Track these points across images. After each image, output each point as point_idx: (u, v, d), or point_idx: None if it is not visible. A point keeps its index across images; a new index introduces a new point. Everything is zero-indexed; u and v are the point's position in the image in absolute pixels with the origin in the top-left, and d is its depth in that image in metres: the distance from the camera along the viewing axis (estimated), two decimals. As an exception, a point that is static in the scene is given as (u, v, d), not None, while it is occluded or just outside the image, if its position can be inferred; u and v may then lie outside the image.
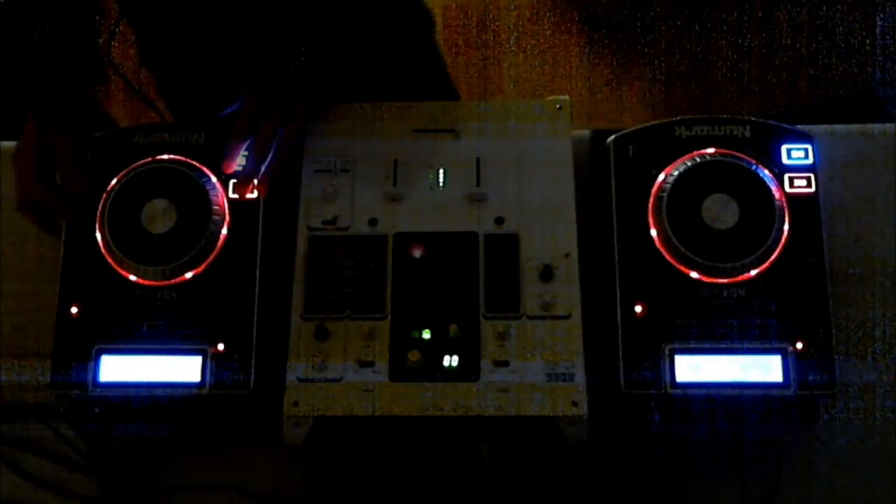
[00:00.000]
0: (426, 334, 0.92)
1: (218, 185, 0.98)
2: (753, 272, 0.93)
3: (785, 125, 0.99)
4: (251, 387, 0.93)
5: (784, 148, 0.98)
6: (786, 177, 0.97)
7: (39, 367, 1.00)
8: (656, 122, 0.99)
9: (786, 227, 0.94)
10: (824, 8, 2.07)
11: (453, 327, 0.92)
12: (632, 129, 0.99)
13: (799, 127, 0.99)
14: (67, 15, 1.04)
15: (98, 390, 0.93)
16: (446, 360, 0.91)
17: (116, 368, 0.93)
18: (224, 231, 0.97)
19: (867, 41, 2.03)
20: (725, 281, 0.93)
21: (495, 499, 0.94)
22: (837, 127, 1.06)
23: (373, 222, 0.97)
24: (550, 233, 0.95)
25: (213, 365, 0.93)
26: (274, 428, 0.90)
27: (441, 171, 0.98)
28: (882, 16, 2.03)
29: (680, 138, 0.98)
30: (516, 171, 0.98)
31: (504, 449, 0.93)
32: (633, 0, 2.17)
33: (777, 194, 0.95)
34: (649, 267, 0.94)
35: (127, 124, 1.04)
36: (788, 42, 2.09)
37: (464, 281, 0.94)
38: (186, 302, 0.95)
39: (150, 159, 0.99)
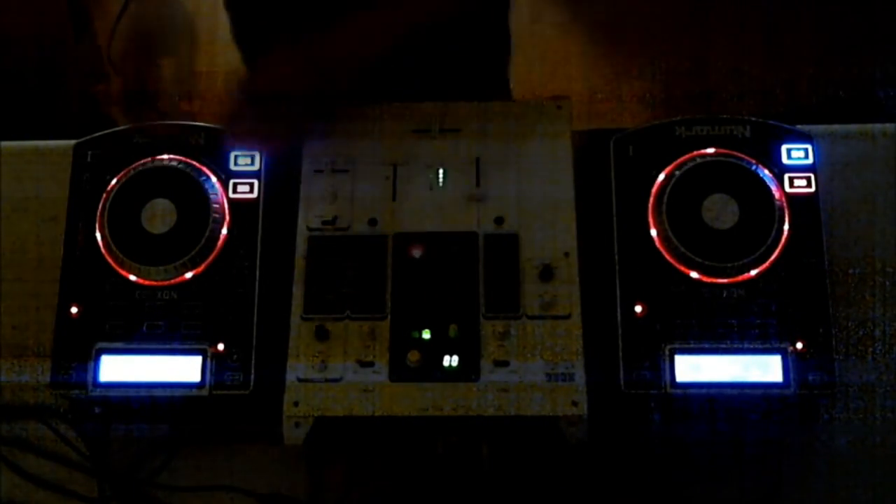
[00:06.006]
0: (426, 334, 0.92)
1: (218, 185, 0.98)
2: (753, 272, 0.93)
3: (785, 125, 0.99)
4: (251, 387, 0.93)
5: (784, 148, 0.98)
6: (786, 177, 0.97)
7: (39, 367, 1.01)
8: (656, 122, 0.99)
9: (786, 227, 0.94)
10: (825, 7, 2.07)
11: (453, 327, 0.92)
12: (632, 129, 0.99)
13: (799, 127, 0.99)
14: None
15: (98, 390, 0.93)
16: (446, 360, 0.91)
17: (116, 368, 0.93)
18: (224, 231, 0.97)
19: (867, 41, 2.03)
20: (725, 281, 0.93)
21: (495, 499, 0.94)
22: (837, 127, 1.06)
23: (373, 222, 0.97)
24: (550, 232, 0.95)
25: (213, 365, 0.93)
26: (274, 428, 0.90)
27: (441, 171, 0.98)
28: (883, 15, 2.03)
29: (680, 138, 0.98)
30: (516, 171, 0.98)
31: (504, 449, 0.93)
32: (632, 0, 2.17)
33: (777, 194, 0.95)
34: (649, 267, 0.94)
35: (127, 124, 1.04)
36: (788, 42, 2.09)
37: (464, 281, 0.94)
38: (186, 302, 0.95)
39: (150, 159, 0.99)
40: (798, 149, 0.98)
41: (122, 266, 0.96)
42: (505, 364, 0.91)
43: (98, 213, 0.97)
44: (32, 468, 1.00)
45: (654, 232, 0.95)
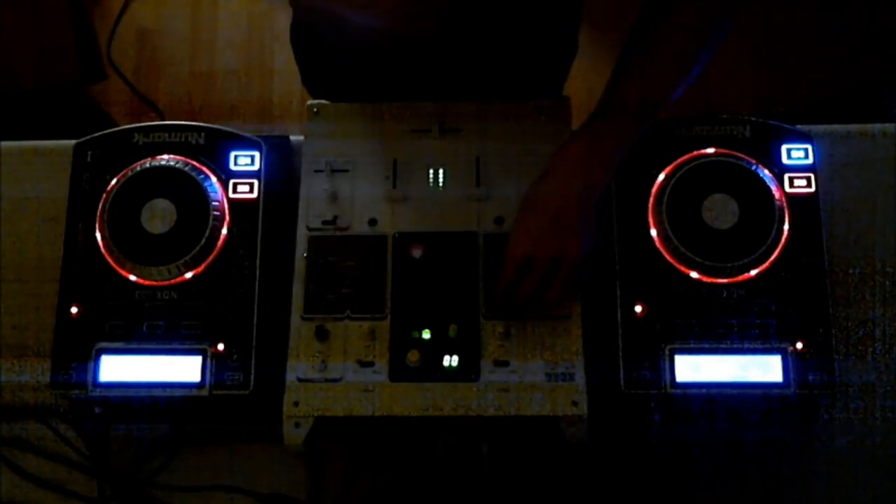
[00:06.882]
0: (426, 334, 0.92)
1: (218, 185, 0.98)
2: (753, 272, 0.93)
3: (785, 125, 0.99)
4: (251, 387, 0.93)
5: (784, 148, 0.98)
6: (786, 177, 0.97)
7: (39, 367, 1.00)
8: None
9: (786, 227, 0.94)
10: (824, 8, 2.07)
11: (453, 327, 0.92)
12: (632, 129, 0.99)
13: (799, 127, 0.99)
14: None
15: (98, 390, 0.93)
16: (446, 360, 0.91)
17: (116, 368, 0.93)
18: (224, 231, 0.97)
19: (867, 41, 2.03)
20: (725, 281, 0.93)
21: (495, 499, 0.94)
22: (837, 127, 1.06)
23: (373, 222, 0.97)
24: (550, 233, 0.95)
25: (213, 365, 0.93)
26: (274, 428, 0.90)
27: (441, 171, 0.98)
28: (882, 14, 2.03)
29: (680, 138, 0.98)
30: (516, 171, 0.98)
31: (504, 449, 0.93)
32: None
33: (777, 194, 0.95)
34: (649, 267, 0.94)
35: (127, 124, 1.04)
36: (788, 42, 2.08)
37: (464, 281, 0.94)
38: (186, 302, 0.95)
39: (150, 159, 0.99)
40: (798, 149, 0.98)
41: (121, 266, 0.96)
42: (505, 364, 0.91)
43: (98, 213, 0.97)
44: (32, 468, 1.00)
45: (654, 232, 0.95)
